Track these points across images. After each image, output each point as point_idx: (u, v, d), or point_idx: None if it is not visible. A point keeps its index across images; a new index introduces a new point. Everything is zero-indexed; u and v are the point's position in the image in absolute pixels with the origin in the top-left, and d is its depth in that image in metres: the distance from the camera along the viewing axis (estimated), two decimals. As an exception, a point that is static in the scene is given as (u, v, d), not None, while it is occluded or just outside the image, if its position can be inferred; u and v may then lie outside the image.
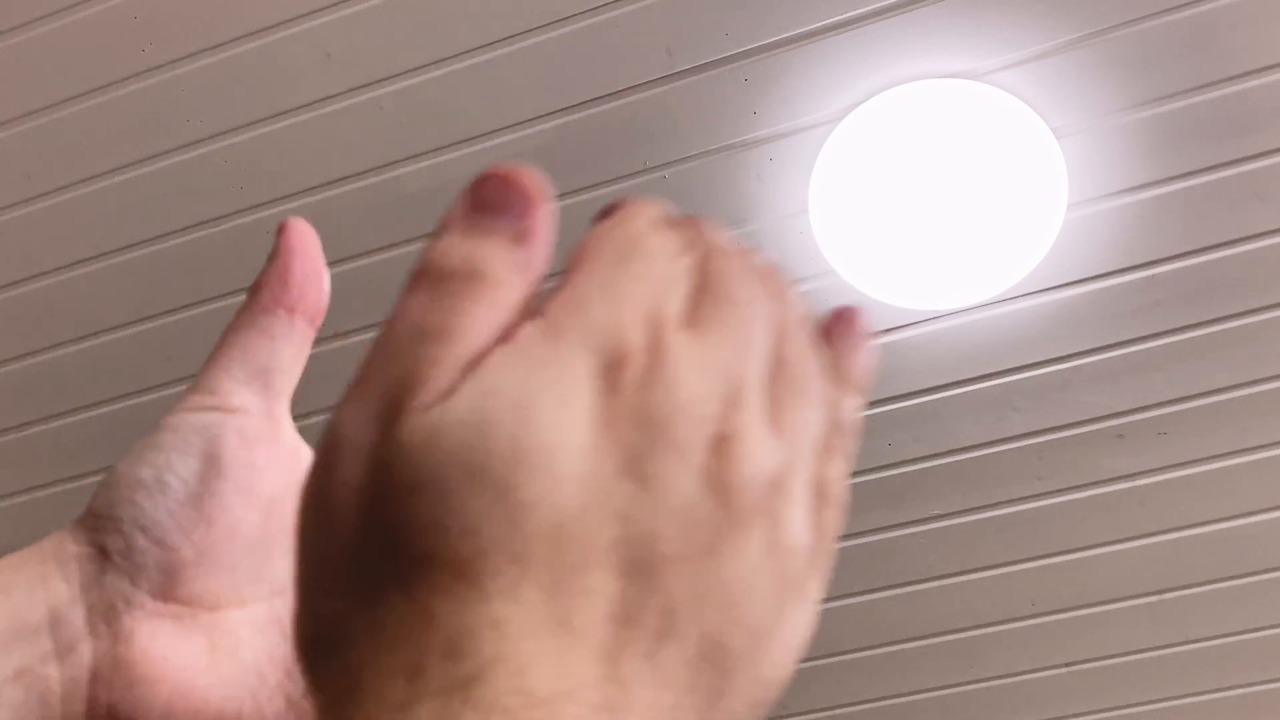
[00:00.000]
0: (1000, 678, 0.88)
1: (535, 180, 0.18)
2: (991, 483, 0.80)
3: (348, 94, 0.70)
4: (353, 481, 0.16)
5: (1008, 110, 0.64)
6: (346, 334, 0.78)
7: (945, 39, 0.65)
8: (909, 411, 0.77)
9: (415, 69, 0.69)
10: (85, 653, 0.20)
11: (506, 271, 0.17)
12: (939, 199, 0.66)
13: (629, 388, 0.16)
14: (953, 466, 0.79)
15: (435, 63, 0.69)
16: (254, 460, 0.22)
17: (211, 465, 0.22)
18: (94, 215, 0.76)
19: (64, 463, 0.87)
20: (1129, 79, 0.65)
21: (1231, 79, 0.64)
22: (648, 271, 0.18)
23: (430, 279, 0.17)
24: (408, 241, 0.75)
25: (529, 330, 0.17)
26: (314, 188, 0.74)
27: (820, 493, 0.18)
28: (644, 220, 0.19)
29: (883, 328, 0.75)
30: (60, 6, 0.69)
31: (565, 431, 0.16)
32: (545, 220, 0.18)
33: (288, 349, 0.23)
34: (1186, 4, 0.63)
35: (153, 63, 0.71)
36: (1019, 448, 0.78)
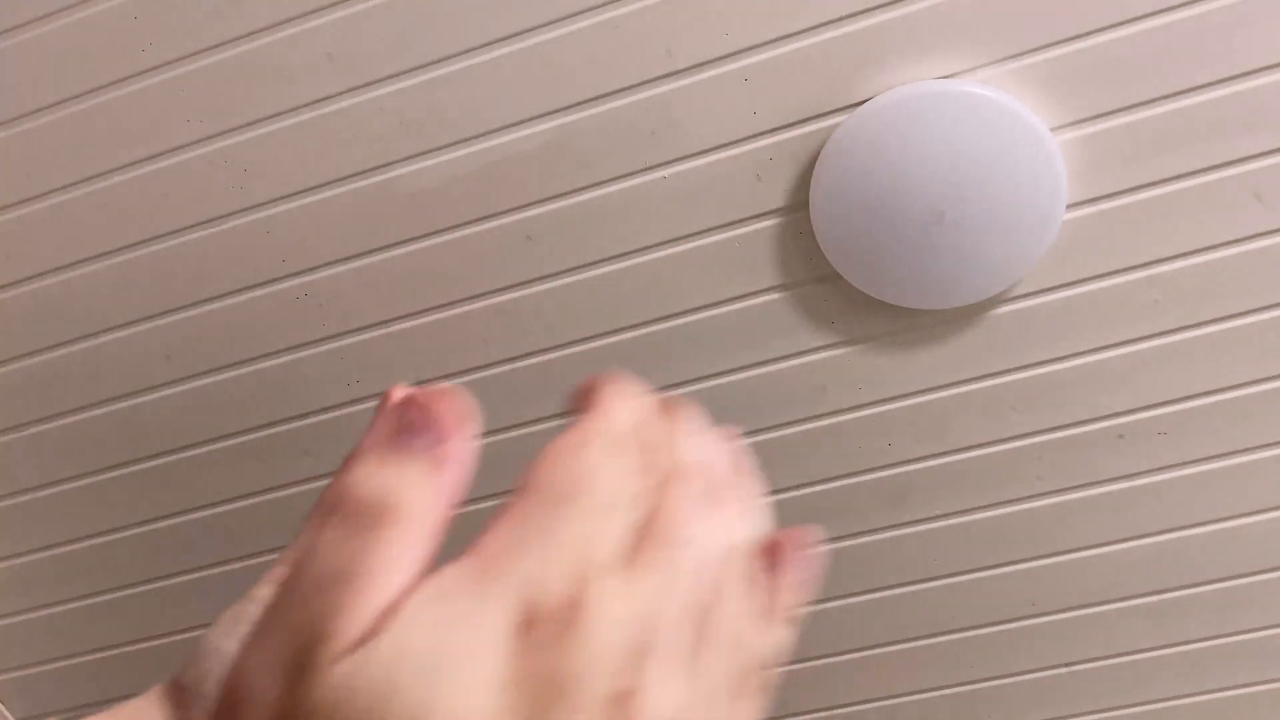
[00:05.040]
0: (1000, 678, 0.88)
1: (457, 406, 0.18)
2: (991, 483, 0.80)
3: (348, 94, 0.70)
4: None
5: (1007, 110, 0.64)
6: (342, 334, 0.78)
7: (945, 38, 0.65)
8: (909, 411, 0.78)
9: (415, 69, 0.69)
10: None
11: (423, 501, 0.17)
12: (938, 199, 0.66)
13: (541, 645, 0.16)
14: (953, 466, 0.79)
15: (435, 63, 0.69)
16: None
17: None
18: (94, 215, 0.76)
19: (64, 463, 0.87)
20: (1129, 79, 0.65)
21: (1231, 79, 0.65)
22: (588, 513, 0.18)
23: (343, 512, 0.17)
24: (408, 241, 0.75)
25: (453, 573, 0.17)
26: (314, 188, 0.74)
27: None
28: (603, 440, 0.19)
29: (882, 327, 0.75)
30: (60, 6, 0.69)
31: (474, 694, 0.15)
32: (465, 446, 0.18)
33: None
34: (1186, 4, 0.63)
35: (153, 63, 0.71)
36: (1019, 448, 0.78)
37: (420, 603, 0.16)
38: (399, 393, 0.19)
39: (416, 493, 0.17)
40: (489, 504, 0.78)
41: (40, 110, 0.73)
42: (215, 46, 0.70)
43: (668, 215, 0.72)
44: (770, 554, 0.22)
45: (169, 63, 0.71)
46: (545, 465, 0.18)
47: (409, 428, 0.17)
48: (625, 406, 0.20)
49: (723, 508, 0.20)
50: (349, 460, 0.18)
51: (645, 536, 0.18)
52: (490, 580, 0.16)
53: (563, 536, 0.17)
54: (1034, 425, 0.77)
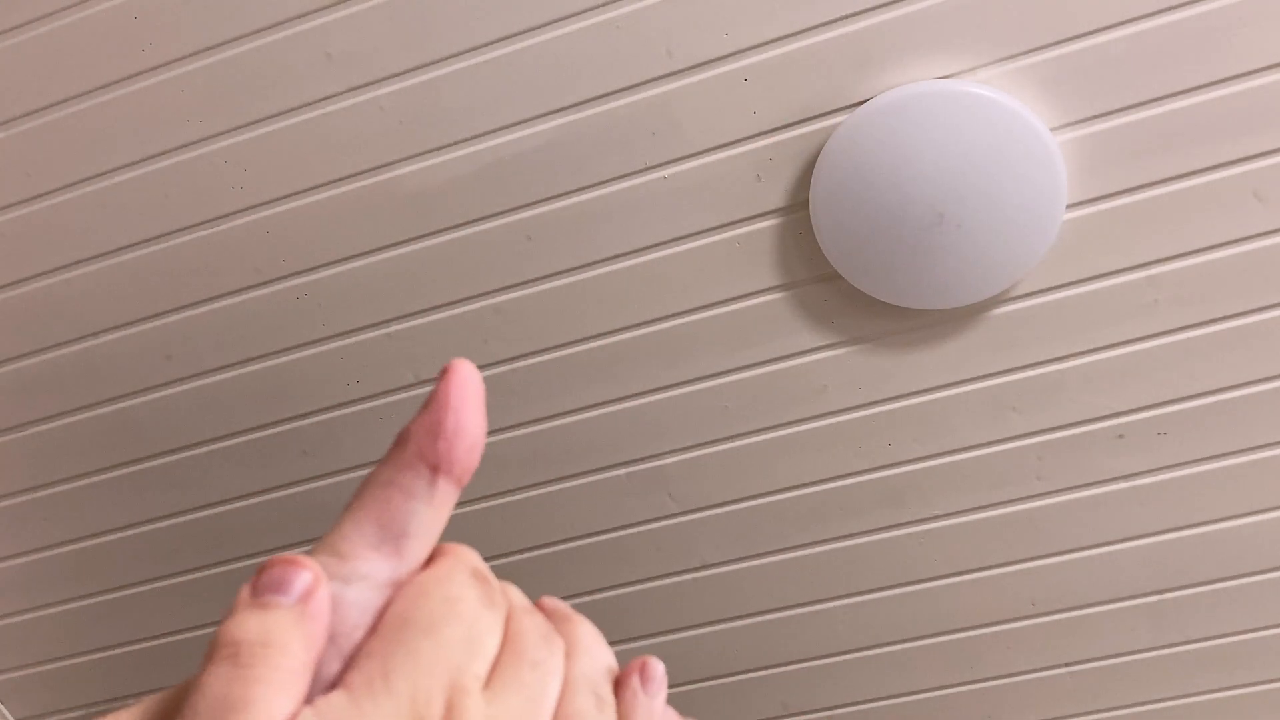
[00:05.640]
0: (1000, 678, 0.88)
1: (314, 565, 0.20)
2: (991, 483, 0.80)
3: (348, 94, 0.70)
4: None
5: (1007, 110, 0.64)
6: (342, 334, 0.78)
7: (945, 38, 0.65)
8: (909, 411, 0.78)
9: (415, 69, 0.69)
10: None
11: (295, 641, 0.19)
12: (938, 199, 0.66)
13: None
14: (953, 466, 0.79)
15: (435, 63, 0.69)
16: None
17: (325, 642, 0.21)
18: (94, 215, 0.76)
19: (64, 463, 0.87)
20: (1129, 79, 0.65)
21: (1231, 79, 0.65)
22: (458, 636, 0.20)
23: (227, 651, 0.18)
24: (408, 241, 0.75)
25: (339, 695, 0.18)
26: (314, 188, 0.74)
27: None
28: (461, 576, 0.21)
29: (882, 327, 0.75)
30: (60, 6, 0.69)
31: None
32: (325, 596, 0.20)
33: (427, 512, 0.21)
34: (1186, 4, 0.63)
35: (153, 63, 0.71)
36: (1019, 448, 0.78)
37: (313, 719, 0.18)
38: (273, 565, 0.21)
39: (289, 634, 0.18)
40: (488, 504, 0.77)
41: (40, 110, 0.73)
42: (215, 46, 0.70)
43: (668, 215, 0.72)
44: (620, 678, 0.24)
45: (169, 63, 0.71)
46: (414, 594, 0.20)
47: (276, 585, 0.19)
48: (469, 556, 0.23)
49: (568, 630, 0.23)
50: (226, 614, 0.20)
51: (507, 655, 0.21)
52: (378, 697, 0.18)
53: (437, 657, 0.19)
54: (1034, 425, 0.77)
